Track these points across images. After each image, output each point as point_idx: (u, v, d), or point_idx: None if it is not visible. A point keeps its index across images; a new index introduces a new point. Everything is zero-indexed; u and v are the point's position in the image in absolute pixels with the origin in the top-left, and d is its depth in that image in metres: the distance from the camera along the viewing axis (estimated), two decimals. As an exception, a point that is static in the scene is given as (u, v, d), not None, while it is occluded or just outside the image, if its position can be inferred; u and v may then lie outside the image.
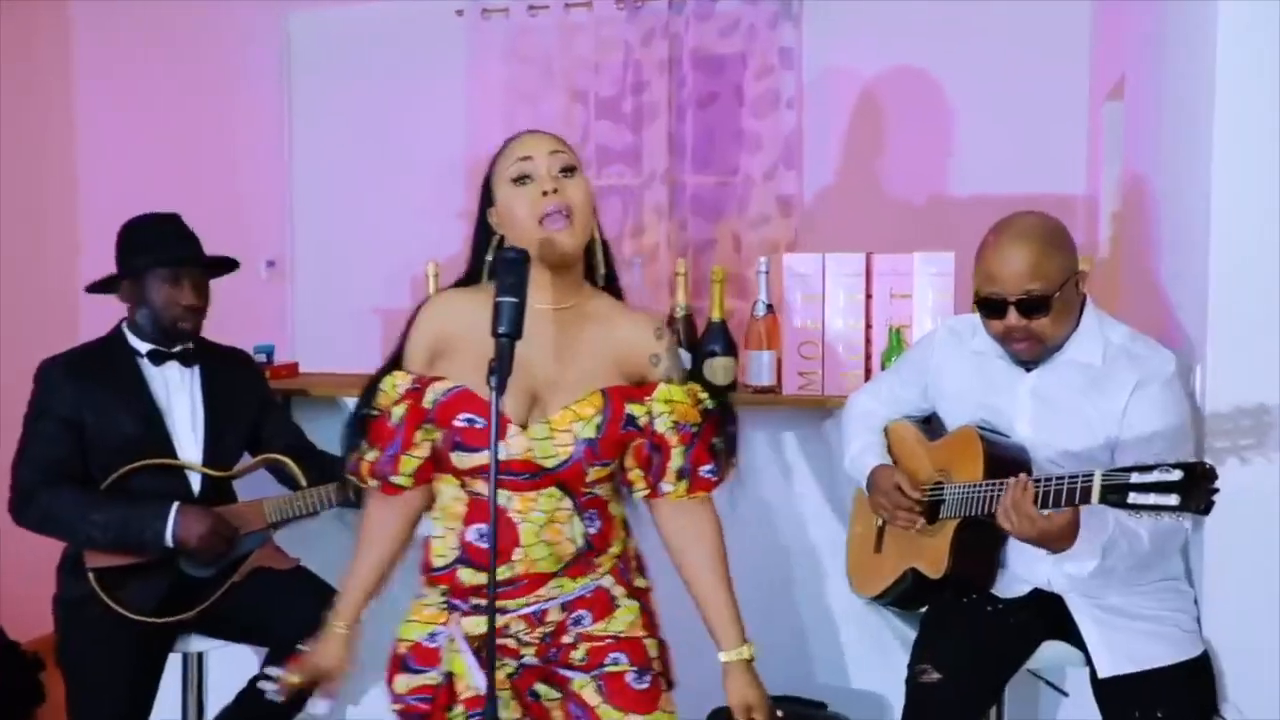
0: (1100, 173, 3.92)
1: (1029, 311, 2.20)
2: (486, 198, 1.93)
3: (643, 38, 4.49)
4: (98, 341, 2.72)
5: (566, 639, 1.92)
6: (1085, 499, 1.97)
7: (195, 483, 2.67)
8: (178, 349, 2.71)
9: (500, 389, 1.66)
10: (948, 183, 4.33)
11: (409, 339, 1.91)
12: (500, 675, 1.89)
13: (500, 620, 1.86)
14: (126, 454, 2.58)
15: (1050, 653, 2.35)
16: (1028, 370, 2.32)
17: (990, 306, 2.25)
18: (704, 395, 1.93)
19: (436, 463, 1.89)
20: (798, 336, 2.91)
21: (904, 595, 2.51)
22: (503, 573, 1.83)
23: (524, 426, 1.84)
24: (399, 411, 1.87)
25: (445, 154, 4.64)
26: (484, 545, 1.83)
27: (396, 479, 1.90)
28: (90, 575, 2.53)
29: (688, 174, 4.56)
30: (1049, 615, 2.32)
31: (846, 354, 2.90)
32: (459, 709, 1.89)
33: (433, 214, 4.52)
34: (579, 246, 1.87)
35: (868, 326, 2.90)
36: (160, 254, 2.65)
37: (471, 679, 1.87)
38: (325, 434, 2.76)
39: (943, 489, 2.35)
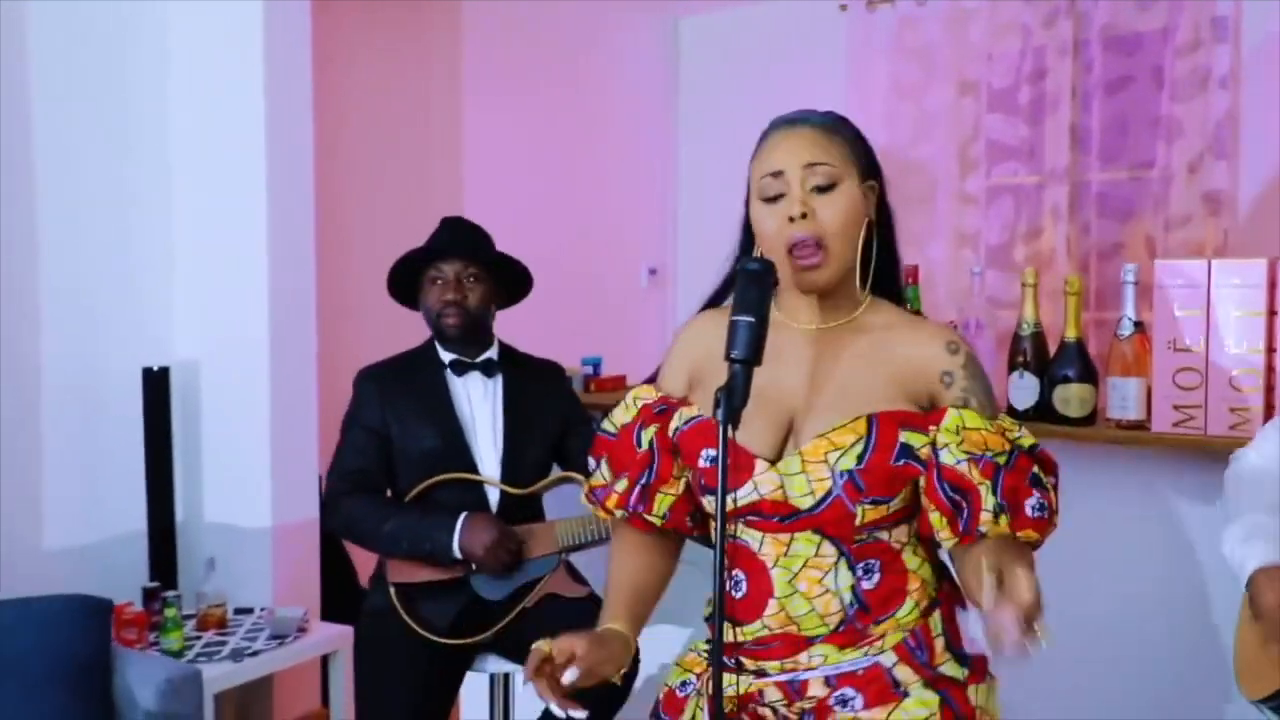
0: None
1: None
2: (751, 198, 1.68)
3: (1044, 19, 4.04)
4: (410, 352, 2.72)
5: None
6: None
7: (493, 498, 2.61)
8: (480, 359, 2.67)
9: (729, 421, 1.42)
10: None
11: (666, 362, 1.73)
12: None
13: (754, 685, 1.62)
14: (426, 467, 2.57)
15: None
16: None
17: None
18: (1016, 432, 1.58)
19: (694, 503, 1.69)
20: (1173, 362, 2.40)
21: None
22: (755, 629, 1.61)
23: (774, 461, 1.59)
24: (646, 435, 1.68)
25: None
26: (738, 596, 1.63)
27: (650, 517, 1.69)
28: (391, 590, 2.54)
29: (1093, 170, 4.03)
30: None
31: (1239, 385, 2.34)
32: None
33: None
34: (831, 280, 1.61)
35: (1270, 351, 2.33)
36: (413, 252, 2.62)
37: None
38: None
39: None
